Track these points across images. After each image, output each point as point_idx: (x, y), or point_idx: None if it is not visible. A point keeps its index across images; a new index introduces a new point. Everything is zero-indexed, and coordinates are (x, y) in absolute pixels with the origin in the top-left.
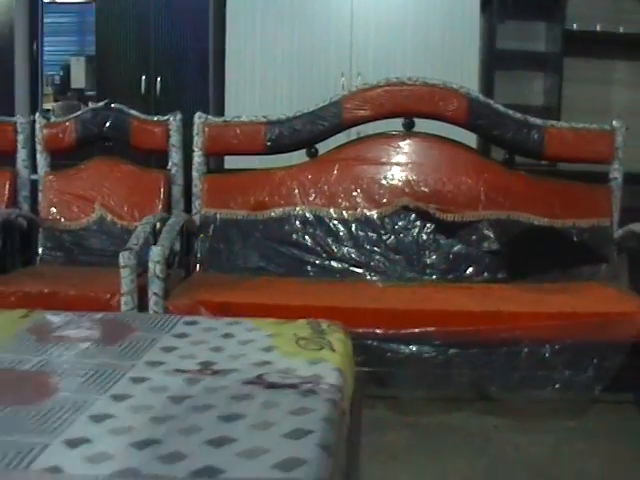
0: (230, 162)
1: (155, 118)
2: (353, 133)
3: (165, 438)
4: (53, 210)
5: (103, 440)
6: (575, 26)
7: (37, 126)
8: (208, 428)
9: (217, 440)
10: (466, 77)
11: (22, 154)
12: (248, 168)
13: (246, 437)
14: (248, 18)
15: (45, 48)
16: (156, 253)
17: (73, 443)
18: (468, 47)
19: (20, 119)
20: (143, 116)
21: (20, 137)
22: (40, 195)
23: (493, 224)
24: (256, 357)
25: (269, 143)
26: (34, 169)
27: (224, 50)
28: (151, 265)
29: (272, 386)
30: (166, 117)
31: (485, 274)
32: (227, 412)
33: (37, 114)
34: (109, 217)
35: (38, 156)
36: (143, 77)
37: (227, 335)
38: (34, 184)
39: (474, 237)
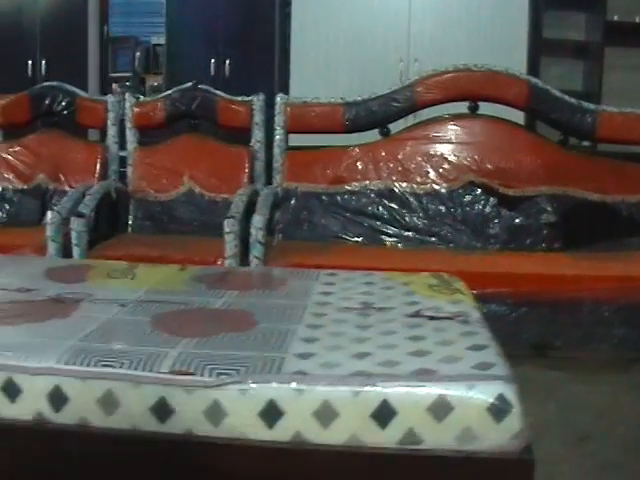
0: (293, 140)
1: (239, 98)
2: (422, 114)
3: (374, 351)
4: (143, 183)
5: (325, 354)
6: (616, 17)
7: (127, 105)
8: (403, 345)
9: (416, 352)
10: (515, 63)
11: (112, 131)
12: (322, 145)
13: (438, 350)
14: (312, 3)
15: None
16: (258, 220)
17: (303, 356)
18: (517, 35)
19: (111, 98)
20: (228, 96)
21: (110, 115)
22: (129, 169)
23: (550, 199)
24: (403, 299)
25: (347, 123)
26: (121, 145)
27: (289, 34)
28: (253, 231)
29: (432, 318)
30: (250, 98)
31: (543, 244)
32: (410, 334)
33: (127, 94)
34: (197, 189)
35: (127, 132)
36: (212, 60)
37: (368, 283)
38: (121, 159)
39: (533, 210)
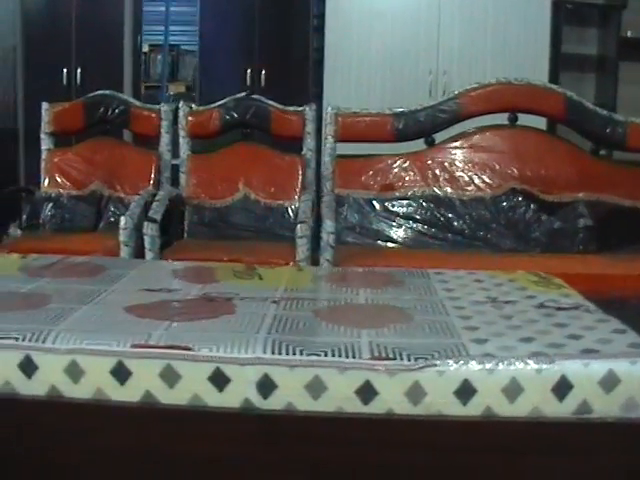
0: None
1: (292, 108)
2: (464, 125)
3: (534, 336)
4: (198, 190)
5: (496, 340)
6: (629, 33)
7: (181, 113)
8: (555, 331)
9: (571, 336)
10: (537, 76)
11: (165, 139)
12: (371, 154)
13: (588, 334)
14: (345, 17)
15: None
16: (329, 225)
17: (479, 341)
18: (539, 49)
19: (164, 107)
20: (281, 106)
21: (164, 123)
22: (182, 176)
23: (586, 204)
24: (520, 293)
25: (396, 132)
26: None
27: (323, 47)
28: (324, 235)
29: (559, 309)
30: (302, 107)
31: (580, 247)
32: (553, 322)
33: (181, 102)
34: (253, 196)
35: (181, 140)
36: (249, 70)
37: (478, 281)
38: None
39: (571, 215)
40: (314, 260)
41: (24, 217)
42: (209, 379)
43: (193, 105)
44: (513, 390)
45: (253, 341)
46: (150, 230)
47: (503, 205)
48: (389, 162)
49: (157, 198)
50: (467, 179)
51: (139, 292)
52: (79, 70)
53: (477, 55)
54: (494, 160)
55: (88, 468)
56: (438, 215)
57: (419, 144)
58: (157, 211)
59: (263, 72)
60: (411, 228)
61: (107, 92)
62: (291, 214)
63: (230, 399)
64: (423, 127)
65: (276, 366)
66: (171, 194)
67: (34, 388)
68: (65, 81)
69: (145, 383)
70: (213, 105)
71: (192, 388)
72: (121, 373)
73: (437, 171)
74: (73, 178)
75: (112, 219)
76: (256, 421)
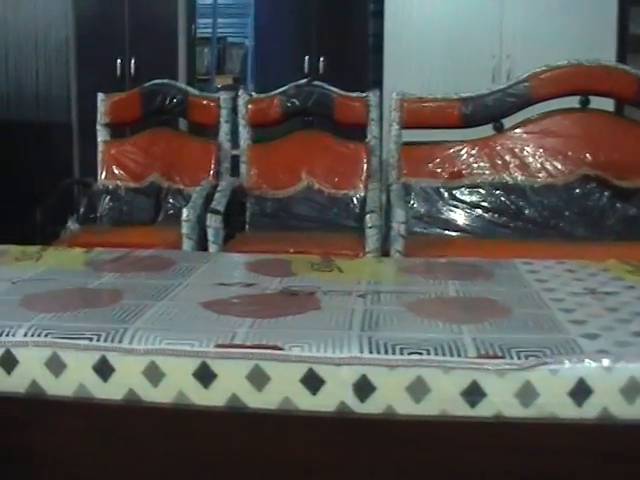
0: None
1: (355, 95)
2: (532, 110)
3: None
4: (259, 180)
5: (607, 334)
6: None
7: (240, 102)
8: None
9: None
10: (604, 58)
11: (225, 128)
12: (436, 140)
13: None
14: (405, 2)
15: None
16: (400, 214)
17: (590, 337)
18: (605, 30)
19: (224, 95)
20: (344, 93)
21: (223, 112)
22: (243, 166)
23: None
24: (617, 284)
25: (464, 118)
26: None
27: (382, 32)
28: (395, 225)
29: None
30: (366, 94)
31: None
32: None
33: (240, 90)
34: (316, 185)
35: (241, 130)
36: (306, 57)
37: (569, 271)
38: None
39: None
40: (384, 251)
41: (81, 210)
42: (301, 381)
43: (253, 93)
44: (632, 390)
45: (347, 339)
46: (214, 222)
47: (576, 192)
48: (456, 149)
49: (219, 189)
50: (538, 165)
51: (214, 287)
52: (133, 61)
53: (541, 38)
54: (565, 145)
55: (168, 475)
56: (508, 203)
57: (485, 130)
58: (220, 202)
59: (321, 60)
60: (480, 217)
61: (164, 81)
62: (356, 204)
63: (324, 402)
64: (491, 112)
65: (375, 366)
66: (233, 185)
67: (110, 391)
68: (119, 72)
69: (231, 386)
70: (274, 92)
71: (282, 391)
72: (205, 375)
73: (507, 157)
74: (131, 170)
75: (171, 211)
76: (353, 426)
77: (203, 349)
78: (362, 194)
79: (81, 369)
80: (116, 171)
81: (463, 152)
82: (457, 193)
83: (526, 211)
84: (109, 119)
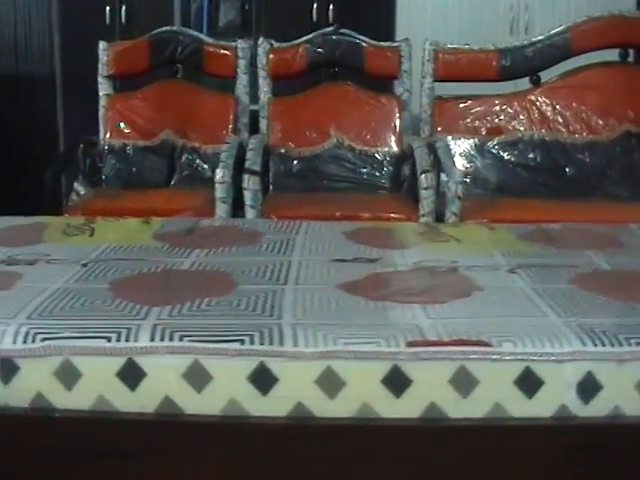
0: None
1: (386, 44)
2: (566, 65)
3: None
4: (283, 137)
5: None
6: None
7: (260, 51)
8: None
9: None
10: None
11: (243, 80)
12: (472, 94)
13: None
14: None
15: None
16: (457, 174)
17: None
18: None
19: (241, 43)
20: (374, 42)
21: (241, 62)
22: (263, 122)
23: None
24: None
25: (502, 70)
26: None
27: None
28: (452, 186)
29: None
30: (397, 43)
31: None
32: None
33: (261, 38)
34: (346, 142)
35: (261, 82)
36: (315, 5)
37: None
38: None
39: None
40: (437, 214)
41: (84, 172)
42: (516, 383)
43: (273, 42)
44: None
45: (559, 330)
46: (252, 184)
47: (617, 150)
48: (493, 103)
49: (251, 147)
50: (578, 121)
51: (334, 264)
52: (124, 9)
53: None
54: (606, 100)
55: None
56: (549, 161)
57: (518, 84)
58: (255, 162)
59: (331, 7)
60: (519, 175)
61: (175, 28)
62: (389, 162)
63: (542, 406)
64: (531, 64)
65: (602, 361)
66: (264, 142)
67: (271, 407)
68: (108, 21)
69: (429, 393)
70: (298, 41)
71: (493, 396)
72: (396, 382)
73: (546, 113)
74: (139, 127)
75: (186, 172)
76: (573, 433)
77: (393, 349)
78: (395, 151)
79: (232, 381)
80: (123, 128)
81: (500, 107)
82: (495, 150)
83: (567, 169)
84: (112, 70)
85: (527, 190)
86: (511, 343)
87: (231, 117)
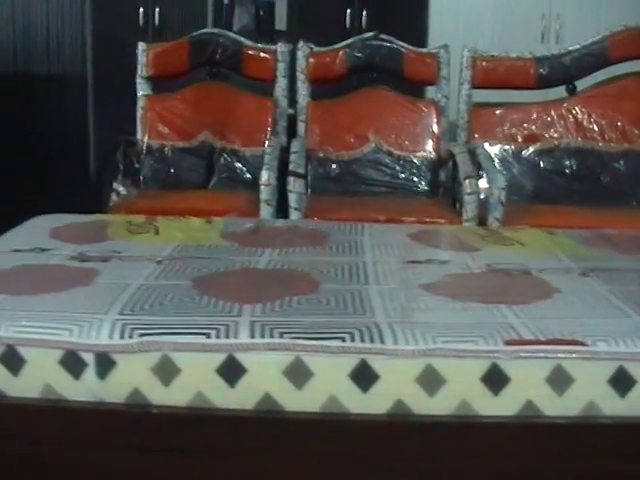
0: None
1: (425, 50)
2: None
3: None
4: (322, 140)
5: None
6: None
7: (300, 55)
8: None
9: None
10: None
11: (282, 83)
12: (508, 102)
13: None
14: None
15: None
16: (500, 179)
17: None
18: None
19: (281, 47)
20: (414, 48)
21: (281, 66)
22: (301, 125)
23: None
24: None
25: (539, 78)
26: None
27: None
28: (496, 191)
29: None
30: (436, 49)
31: None
32: None
33: (300, 42)
34: (385, 147)
35: (300, 85)
36: (348, 11)
37: None
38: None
39: None
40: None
41: (121, 172)
42: (609, 382)
43: (313, 46)
44: None
45: None
46: (297, 186)
47: None
48: (530, 111)
49: (294, 150)
50: (616, 130)
51: (409, 265)
52: (157, 10)
53: None
54: None
55: None
56: (583, 169)
57: (554, 93)
58: (299, 164)
59: (364, 13)
60: (554, 182)
61: (214, 30)
62: (428, 167)
63: (636, 404)
64: (568, 72)
65: None
66: (305, 145)
67: (371, 404)
68: (142, 22)
69: (527, 390)
70: (337, 45)
71: (588, 394)
72: (495, 380)
73: (582, 122)
74: (178, 128)
75: (225, 174)
76: None
77: (492, 348)
78: (433, 156)
79: (333, 378)
80: (161, 129)
81: (537, 115)
82: (531, 158)
83: (602, 177)
84: (152, 71)
85: (563, 197)
86: (605, 343)
87: (270, 120)
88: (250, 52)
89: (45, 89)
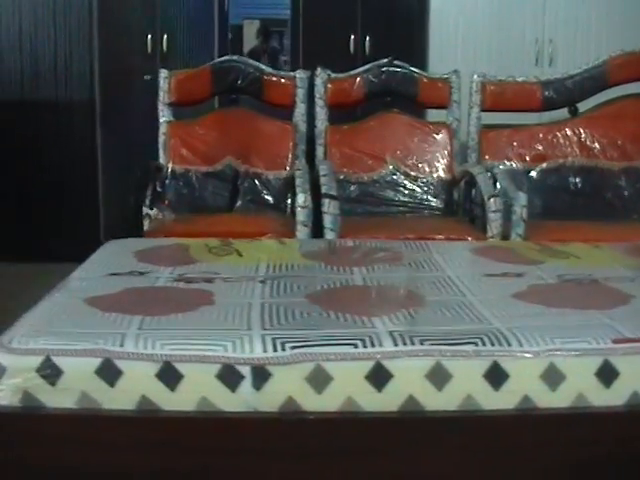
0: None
1: (437, 75)
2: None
3: None
4: (341, 163)
5: None
6: None
7: (319, 81)
8: None
9: None
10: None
11: (301, 108)
12: (514, 124)
13: None
14: None
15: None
16: (522, 197)
17: None
18: None
19: (300, 74)
20: (427, 73)
21: (299, 92)
22: (319, 149)
23: None
24: None
25: (545, 100)
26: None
27: (429, 11)
28: (518, 209)
29: None
30: (447, 75)
31: None
32: None
33: (318, 69)
34: (402, 168)
35: (318, 110)
36: (352, 36)
37: None
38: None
39: None
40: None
41: (149, 197)
42: None
43: (330, 72)
44: None
45: None
46: (332, 208)
47: None
48: (536, 132)
49: (323, 173)
50: (618, 149)
51: (489, 278)
52: (165, 37)
53: (582, 23)
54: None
55: None
56: (591, 186)
57: (556, 115)
58: (331, 187)
59: (367, 39)
60: (561, 199)
61: (235, 57)
62: (442, 187)
63: None
64: (571, 95)
65: None
66: (332, 168)
67: (501, 401)
68: (150, 49)
69: (634, 383)
70: (355, 72)
71: None
72: (607, 374)
73: (586, 141)
74: (202, 153)
75: (249, 197)
76: None
77: (602, 346)
78: (448, 177)
79: (469, 379)
80: (185, 154)
81: (542, 135)
82: (539, 176)
83: (608, 195)
84: (174, 98)
85: (570, 213)
86: None
87: (291, 144)
88: (270, 78)
89: (53, 115)
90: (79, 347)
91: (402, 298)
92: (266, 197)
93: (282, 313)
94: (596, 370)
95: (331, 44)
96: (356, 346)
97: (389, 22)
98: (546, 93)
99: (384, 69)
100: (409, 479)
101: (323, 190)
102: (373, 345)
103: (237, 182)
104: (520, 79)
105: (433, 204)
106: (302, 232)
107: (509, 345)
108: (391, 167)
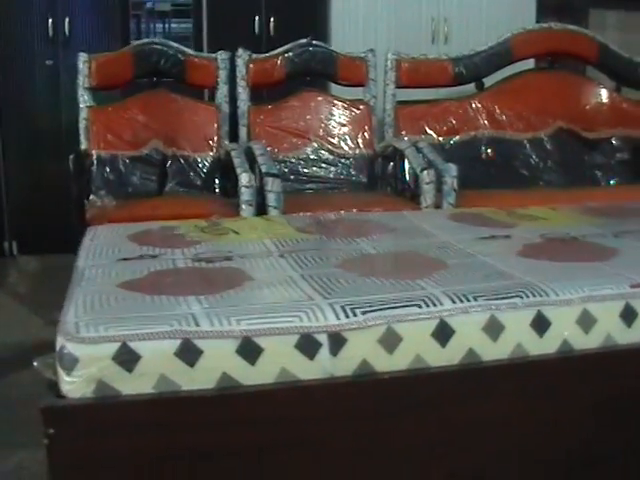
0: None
1: (355, 54)
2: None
3: None
4: (265, 142)
5: None
6: None
7: (240, 62)
8: None
9: None
10: (525, 23)
11: (223, 90)
12: (428, 99)
13: None
14: None
15: None
16: (452, 169)
17: None
18: None
19: (222, 55)
20: (344, 52)
21: (222, 73)
22: (242, 129)
23: (621, 140)
24: None
25: (456, 76)
26: None
27: None
28: (449, 180)
29: None
30: (364, 54)
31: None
32: None
33: (240, 50)
34: (326, 146)
35: (240, 91)
36: (256, 18)
37: None
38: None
39: (607, 150)
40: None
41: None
42: None
43: (251, 53)
44: None
45: None
46: (275, 186)
47: (554, 143)
48: (448, 106)
49: (259, 152)
50: (522, 120)
51: (485, 240)
52: (67, 20)
53: (474, 4)
54: (541, 101)
55: None
56: (502, 156)
57: (464, 89)
58: (271, 165)
59: (272, 19)
60: (476, 169)
61: (156, 40)
62: (365, 162)
63: None
64: (479, 70)
65: None
66: (265, 147)
67: (546, 346)
68: (51, 33)
69: None
70: (275, 52)
71: None
72: (629, 316)
73: (494, 114)
74: (127, 137)
75: (178, 179)
76: None
77: (622, 291)
78: (370, 152)
79: (520, 329)
80: (110, 139)
81: (454, 109)
82: (453, 148)
83: (516, 162)
84: (95, 82)
85: (484, 182)
86: None
87: (215, 126)
88: (192, 60)
89: None
90: (156, 330)
91: (428, 262)
92: (194, 179)
93: (330, 283)
94: (620, 312)
95: (235, 26)
96: (420, 306)
97: (293, 3)
98: (456, 69)
99: (304, 49)
100: (473, 424)
101: (264, 169)
102: (435, 305)
103: (165, 165)
104: (432, 56)
105: (357, 179)
106: (247, 211)
107: (547, 296)
108: (315, 144)
